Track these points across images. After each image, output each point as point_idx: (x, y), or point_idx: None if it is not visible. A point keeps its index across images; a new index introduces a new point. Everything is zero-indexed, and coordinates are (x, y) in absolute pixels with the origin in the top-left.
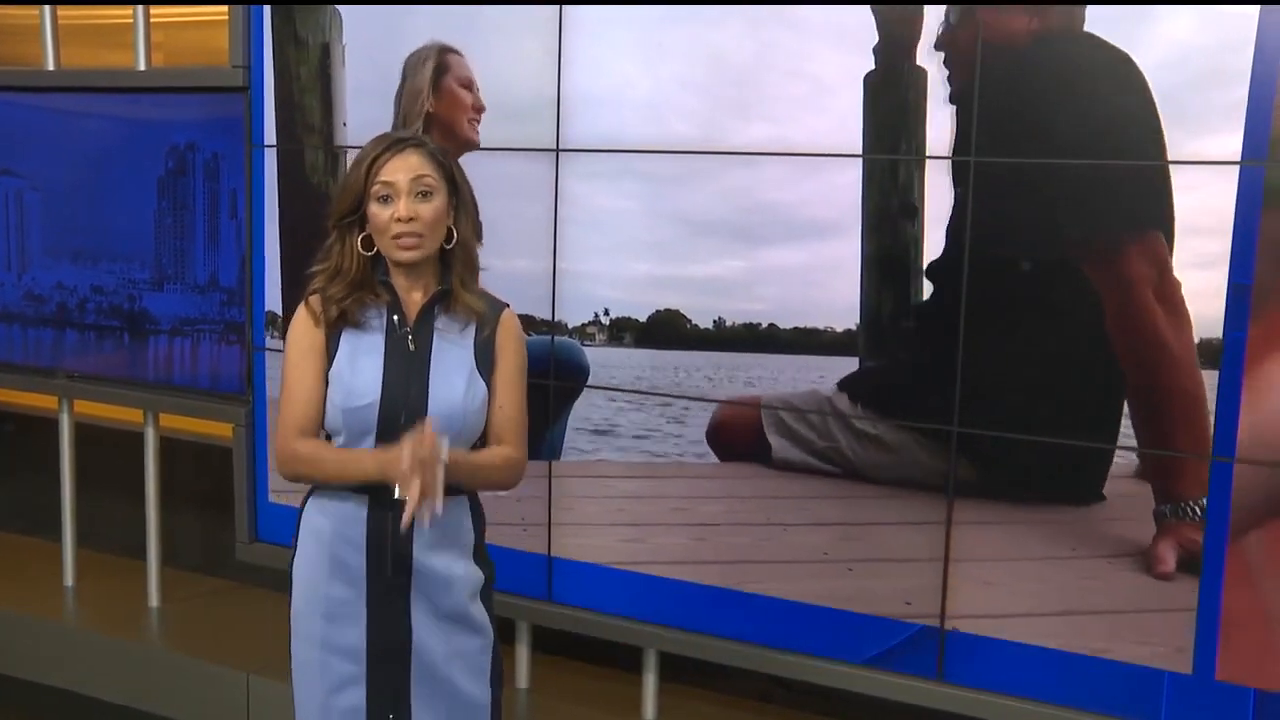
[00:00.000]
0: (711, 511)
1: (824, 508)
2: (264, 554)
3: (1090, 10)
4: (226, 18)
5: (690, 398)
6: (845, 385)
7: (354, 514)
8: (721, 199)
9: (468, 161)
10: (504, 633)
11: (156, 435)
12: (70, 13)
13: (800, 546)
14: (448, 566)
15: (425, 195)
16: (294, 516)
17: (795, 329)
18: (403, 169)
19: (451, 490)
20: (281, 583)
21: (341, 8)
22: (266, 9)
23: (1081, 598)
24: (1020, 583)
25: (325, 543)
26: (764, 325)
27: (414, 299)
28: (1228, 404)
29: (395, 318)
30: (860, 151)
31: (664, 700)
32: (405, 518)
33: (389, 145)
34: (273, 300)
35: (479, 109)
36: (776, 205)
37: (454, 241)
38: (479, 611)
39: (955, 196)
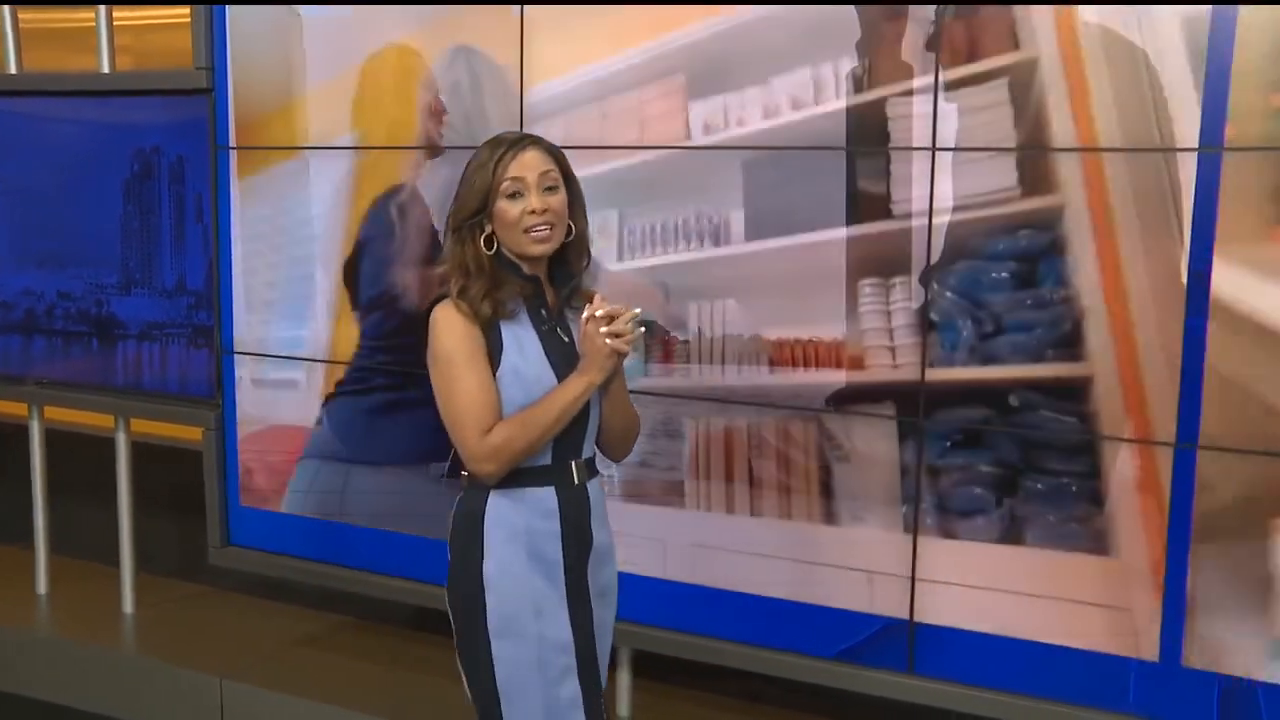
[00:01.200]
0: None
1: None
2: (236, 558)
3: None
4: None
5: (670, 395)
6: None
7: (546, 505)
8: None
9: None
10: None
11: (128, 440)
12: (34, 16)
13: (766, 541)
14: (607, 540)
15: (551, 189)
16: (271, 520)
17: None
18: (530, 165)
19: (595, 471)
20: (255, 586)
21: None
22: (228, 10)
23: (1048, 587)
24: (987, 574)
25: (521, 538)
26: None
27: (549, 293)
28: (1190, 391)
29: (542, 311)
30: None
31: (639, 699)
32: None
33: (513, 143)
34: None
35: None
36: None
37: (572, 234)
38: (616, 584)
39: None
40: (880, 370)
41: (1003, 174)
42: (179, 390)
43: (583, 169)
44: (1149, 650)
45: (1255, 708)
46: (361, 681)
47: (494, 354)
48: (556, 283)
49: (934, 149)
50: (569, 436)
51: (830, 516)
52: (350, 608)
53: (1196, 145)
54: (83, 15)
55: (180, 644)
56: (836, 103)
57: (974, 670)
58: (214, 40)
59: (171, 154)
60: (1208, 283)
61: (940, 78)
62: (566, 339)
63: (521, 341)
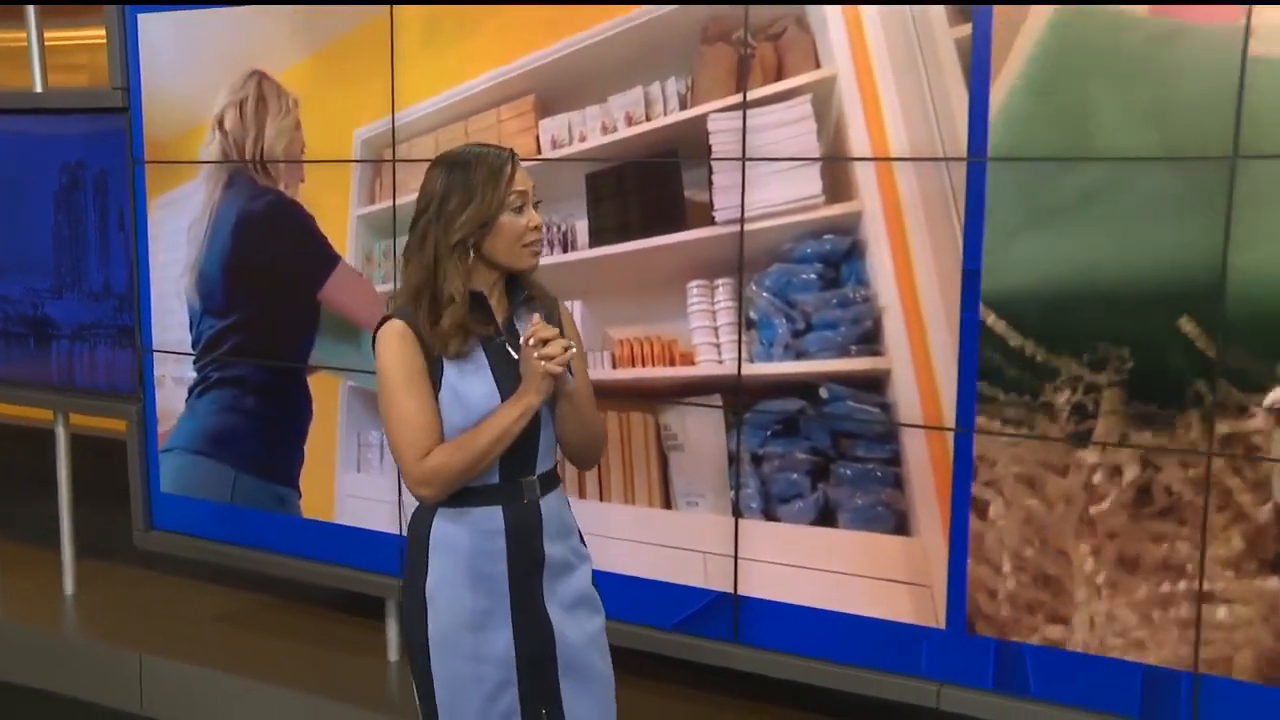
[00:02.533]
0: None
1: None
2: (159, 541)
3: None
4: None
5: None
6: None
7: (490, 524)
8: None
9: None
10: (375, 609)
11: (67, 434)
12: None
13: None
14: (567, 553)
15: (538, 205)
16: (189, 509)
17: None
18: (526, 180)
19: (556, 482)
20: (199, 570)
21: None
22: (140, 33)
23: (857, 565)
24: (804, 553)
25: (463, 557)
26: None
27: (499, 308)
28: (967, 379)
29: (491, 328)
30: None
31: None
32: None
33: (510, 158)
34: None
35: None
36: None
37: None
38: (594, 592)
39: None
40: (708, 365)
41: (809, 183)
42: (106, 386)
43: None
44: (939, 620)
45: (1024, 669)
46: (271, 656)
47: (435, 374)
48: (510, 295)
49: (744, 159)
50: (517, 454)
51: (668, 501)
52: (278, 589)
53: (965, 155)
54: (15, 35)
55: (109, 623)
56: (665, 118)
57: (792, 639)
58: (128, 61)
59: (95, 168)
60: (978, 280)
61: (751, 95)
62: (516, 355)
63: (463, 369)
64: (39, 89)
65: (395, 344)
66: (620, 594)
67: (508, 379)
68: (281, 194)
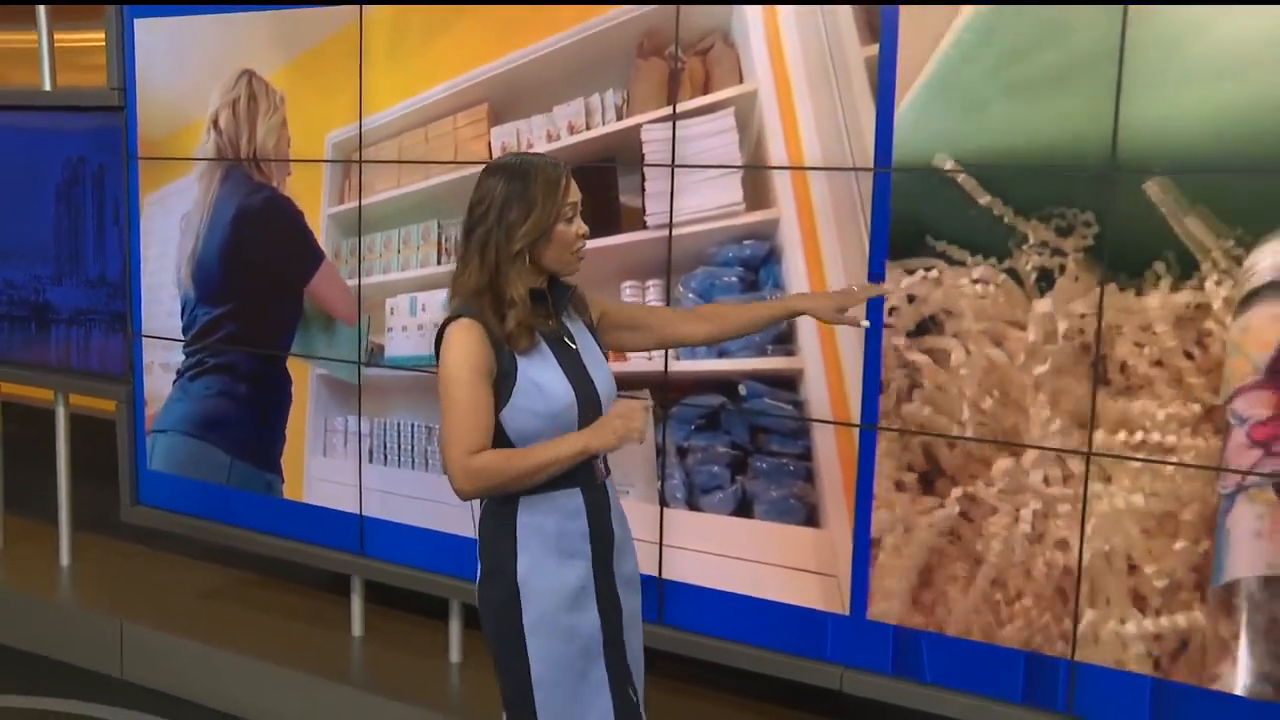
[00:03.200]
0: None
1: None
2: (145, 516)
3: None
4: None
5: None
6: None
7: (572, 504)
8: None
9: None
10: (340, 586)
11: (67, 413)
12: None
13: None
14: (625, 532)
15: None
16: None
17: None
18: (576, 190)
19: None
20: (163, 541)
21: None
22: (137, 36)
23: (770, 552)
24: (725, 542)
25: (552, 539)
26: None
27: (548, 304)
28: (871, 378)
29: (550, 321)
30: None
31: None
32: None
33: (565, 170)
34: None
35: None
36: None
37: None
38: (638, 573)
39: None
40: (639, 361)
41: (731, 191)
42: (100, 369)
43: (412, 185)
44: (845, 607)
45: (920, 652)
46: (248, 628)
47: (508, 372)
48: (553, 292)
49: (673, 167)
50: None
51: None
52: (263, 566)
53: (872, 166)
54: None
55: (97, 592)
56: (604, 128)
57: (712, 623)
58: (125, 63)
59: (95, 163)
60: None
61: (681, 107)
62: (573, 345)
63: (534, 360)
64: (48, 87)
65: (467, 340)
66: None
67: (572, 368)
68: (276, 190)
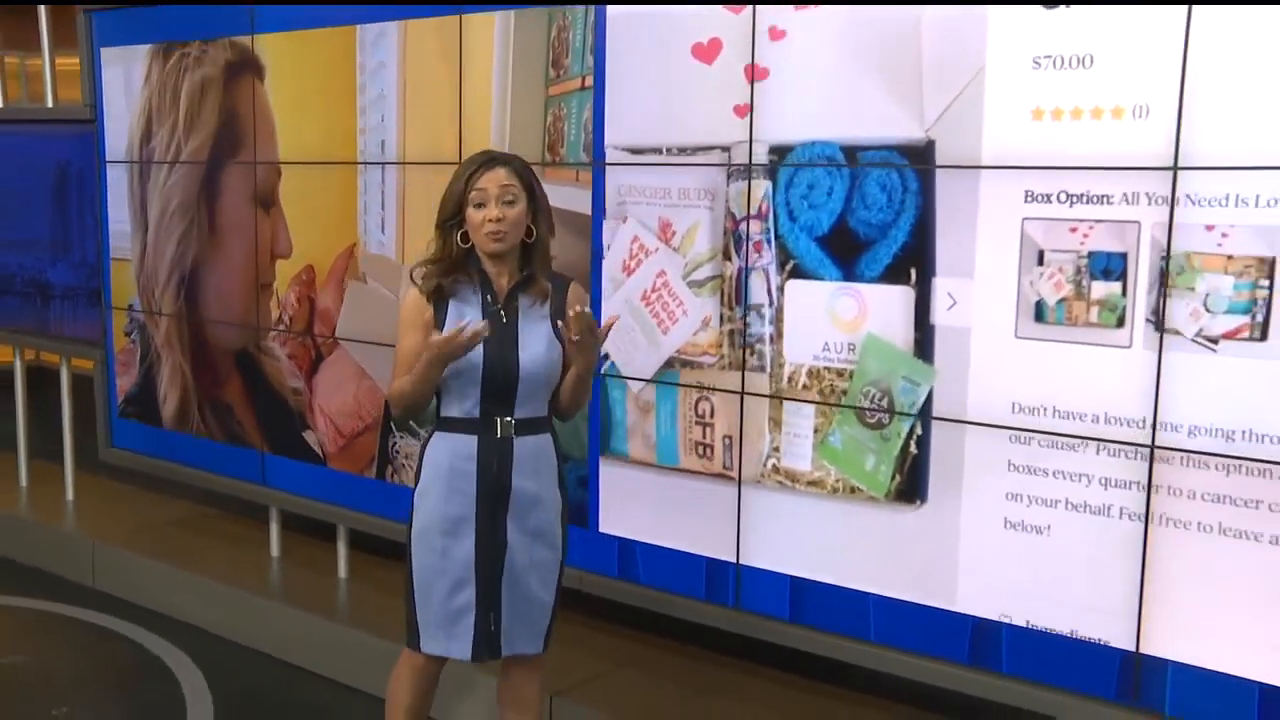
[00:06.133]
0: None
1: None
2: (117, 457)
3: None
4: None
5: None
6: None
7: (465, 449)
8: None
9: None
10: (328, 533)
11: (69, 373)
12: None
13: None
14: (537, 490)
15: (510, 202)
16: (138, 431)
17: None
18: (492, 180)
19: (539, 429)
20: (129, 478)
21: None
22: (101, 60)
23: None
24: None
25: (443, 472)
26: None
27: (502, 283)
28: None
29: (488, 296)
30: None
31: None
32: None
33: (483, 162)
34: None
35: None
36: None
37: (533, 238)
38: (557, 531)
39: None
40: None
41: None
42: (86, 335)
43: None
44: (584, 522)
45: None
46: (199, 552)
47: (440, 325)
48: (524, 280)
49: None
50: (496, 397)
51: None
52: (234, 506)
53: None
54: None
55: (79, 516)
56: None
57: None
58: (95, 83)
59: (77, 167)
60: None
61: None
62: (506, 320)
63: (462, 316)
64: (49, 104)
65: (412, 297)
66: None
67: (494, 337)
68: None
